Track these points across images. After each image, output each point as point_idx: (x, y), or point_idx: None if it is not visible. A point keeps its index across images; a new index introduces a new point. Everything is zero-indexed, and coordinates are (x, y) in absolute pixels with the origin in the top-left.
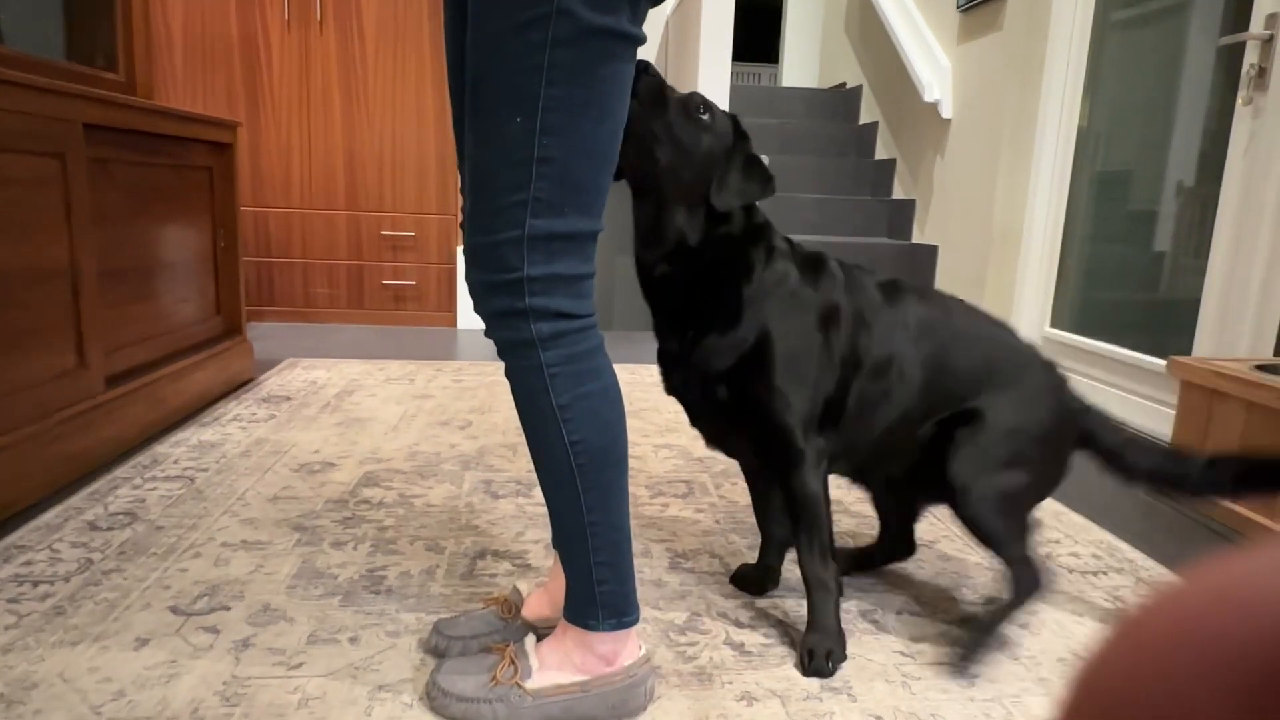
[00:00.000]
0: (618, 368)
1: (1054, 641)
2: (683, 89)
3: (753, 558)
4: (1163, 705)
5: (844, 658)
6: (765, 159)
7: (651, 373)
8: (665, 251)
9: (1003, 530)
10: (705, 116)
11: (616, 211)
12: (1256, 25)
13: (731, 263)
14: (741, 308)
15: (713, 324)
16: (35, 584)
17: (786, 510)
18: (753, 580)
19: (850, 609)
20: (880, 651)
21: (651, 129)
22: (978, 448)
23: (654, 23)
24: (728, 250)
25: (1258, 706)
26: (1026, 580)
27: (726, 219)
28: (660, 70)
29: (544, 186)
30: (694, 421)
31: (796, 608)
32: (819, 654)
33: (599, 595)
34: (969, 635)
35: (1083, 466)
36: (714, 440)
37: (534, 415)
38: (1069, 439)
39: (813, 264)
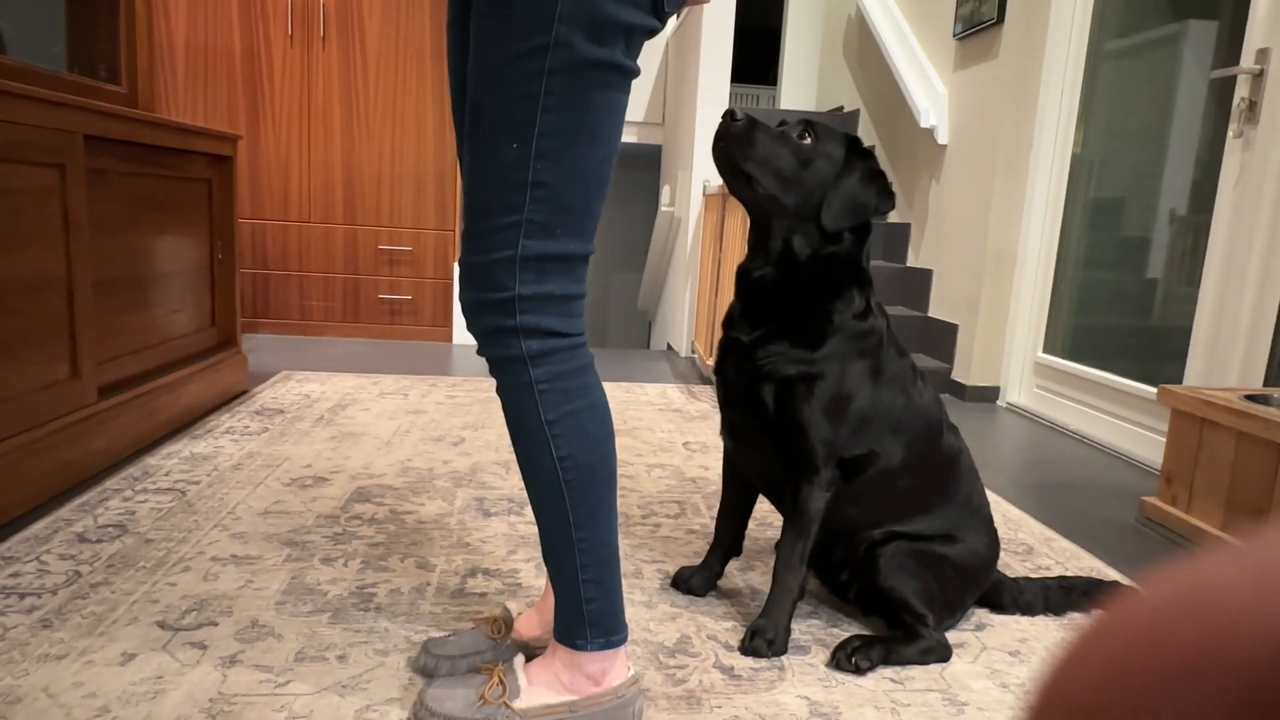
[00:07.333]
0: (611, 386)
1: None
2: (682, 110)
3: (745, 579)
4: (1137, 712)
5: (784, 649)
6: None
7: (645, 391)
8: (769, 261)
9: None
10: (807, 141)
11: (613, 231)
12: (1247, 60)
13: (832, 291)
14: (825, 336)
15: (791, 334)
16: (22, 596)
17: (784, 512)
18: (695, 582)
19: (838, 634)
20: (869, 678)
21: (747, 165)
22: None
23: (654, 44)
24: (832, 274)
25: (1244, 713)
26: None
27: (838, 238)
28: (659, 91)
29: (537, 209)
30: (725, 408)
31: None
32: (761, 636)
33: (587, 613)
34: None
35: (1075, 496)
36: (735, 433)
37: (523, 431)
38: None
39: (898, 345)
